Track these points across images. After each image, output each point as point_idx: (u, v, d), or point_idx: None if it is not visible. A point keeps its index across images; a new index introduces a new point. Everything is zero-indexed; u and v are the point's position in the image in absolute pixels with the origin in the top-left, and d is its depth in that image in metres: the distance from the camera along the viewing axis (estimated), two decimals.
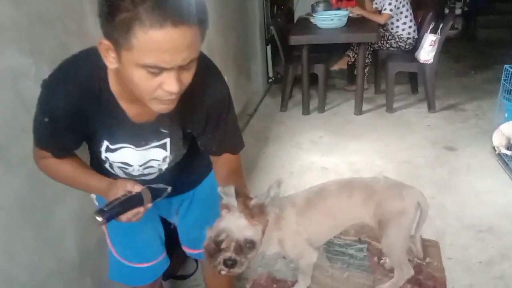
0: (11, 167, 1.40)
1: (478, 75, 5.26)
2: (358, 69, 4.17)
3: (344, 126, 4.07)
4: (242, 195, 1.10)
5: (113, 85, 1.04)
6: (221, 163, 1.26)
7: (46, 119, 1.05)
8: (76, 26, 1.69)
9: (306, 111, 4.36)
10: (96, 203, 1.44)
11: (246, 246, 1.02)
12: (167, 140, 1.19)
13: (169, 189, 1.13)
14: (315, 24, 4.27)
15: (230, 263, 1.00)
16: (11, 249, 1.41)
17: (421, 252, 1.36)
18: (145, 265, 1.47)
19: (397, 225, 1.19)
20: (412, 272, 1.26)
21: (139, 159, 1.19)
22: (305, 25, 4.48)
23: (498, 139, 3.22)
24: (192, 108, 1.12)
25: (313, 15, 4.43)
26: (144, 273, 1.48)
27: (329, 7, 4.78)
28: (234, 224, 1.01)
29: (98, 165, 1.24)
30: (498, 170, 3.14)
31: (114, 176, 1.24)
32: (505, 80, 3.25)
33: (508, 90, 3.27)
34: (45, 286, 1.55)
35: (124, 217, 1.07)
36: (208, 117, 1.16)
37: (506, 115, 3.37)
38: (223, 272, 1.04)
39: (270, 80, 5.25)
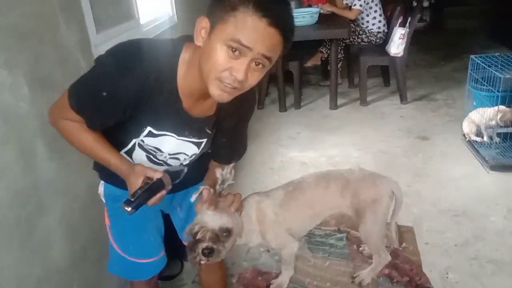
0: None
1: (447, 65, 5.42)
2: (331, 64, 4.26)
3: (320, 121, 4.15)
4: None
5: (180, 78, 1.10)
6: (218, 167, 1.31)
7: (105, 94, 1.06)
8: (51, 36, 1.70)
9: (283, 108, 4.42)
10: (104, 200, 1.47)
11: (223, 235, 1.07)
12: (205, 140, 1.27)
13: (186, 169, 1.19)
14: None
15: (207, 252, 1.04)
16: None
17: (396, 241, 1.43)
18: (146, 260, 1.50)
19: (372, 213, 1.25)
20: (389, 258, 1.32)
21: (173, 148, 1.24)
22: None
23: (468, 127, 3.35)
24: (230, 112, 1.23)
25: None
26: (144, 268, 1.51)
27: (300, 5, 4.86)
28: (207, 215, 1.07)
29: (116, 143, 1.26)
30: (469, 156, 3.27)
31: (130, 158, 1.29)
32: (471, 70, 3.37)
33: (475, 79, 3.39)
34: None
35: (150, 203, 1.11)
36: (237, 122, 1.28)
37: (474, 103, 3.50)
38: (202, 262, 1.08)
39: None
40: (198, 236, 1.07)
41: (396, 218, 1.35)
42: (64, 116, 1.16)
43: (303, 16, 4.19)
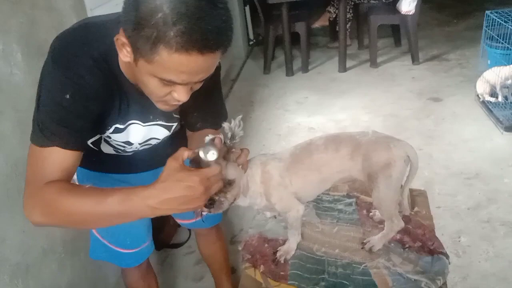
0: None
1: (460, 23, 5.23)
2: (339, 25, 4.11)
3: (329, 85, 4.05)
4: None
5: (123, 66, 0.99)
6: (200, 138, 1.17)
7: (68, 96, 0.92)
8: (43, 1, 1.62)
9: (290, 72, 4.31)
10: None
11: (225, 184, 1.02)
12: (175, 124, 1.20)
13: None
14: None
15: (209, 203, 1.00)
16: (2, 231, 1.40)
17: (408, 209, 1.37)
18: (130, 251, 1.43)
19: (386, 177, 1.19)
20: (402, 224, 1.27)
21: (142, 136, 1.17)
22: None
23: (481, 87, 3.24)
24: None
25: None
26: (129, 257, 1.45)
27: None
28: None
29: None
30: (482, 118, 3.17)
31: (102, 154, 1.20)
32: (486, 27, 3.23)
33: (490, 37, 3.25)
34: (39, 265, 1.55)
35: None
36: (201, 93, 1.07)
37: (489, 62, 3.38)
38: (204, 213, 1.04)
39: (251, 43, 5.16)
40: None
41: (410, 185, 1.29)
42: (38, 181, 0.91)
43: None
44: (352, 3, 4.46)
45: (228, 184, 1.04)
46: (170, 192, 0.84)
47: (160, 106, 0.99)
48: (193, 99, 0.99)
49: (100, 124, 1.06)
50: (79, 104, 0.95)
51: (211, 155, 0.92)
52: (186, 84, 0.89)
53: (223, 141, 1.01)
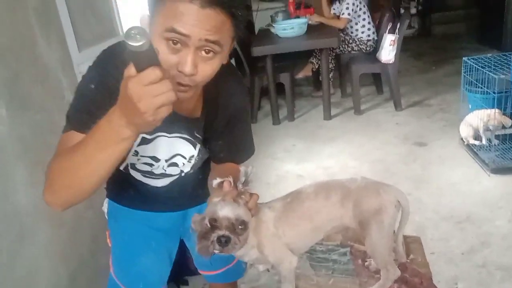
0: None
1: (439, 69, 5.41)
2: (322, 75, 4.21)
3: (315, 132, 4.09)
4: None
5: None
6: (221, 169, 1.23)
7: (93, 86, 0.98)
8: (28, 54, 1.63)
9: (276, 120, 4.35)
10: (107, 217, 1.38)
11: (239, 227, 1.01)
12: (198, 146, 1.20)
13: None
14: (276, 34, 4.30)
15: (224, 240, 0.98)
16: None
17: (404, 256, 1.34)
18: None
19: (377, 224, 1.16)
20: (398, 273, 1.23)
21: (168, 149, 1.16)
22: (267, 35, 4.51)
23: (465, 131, 3.29)
24: (216, 111, 1.17)
25: (273, 25, 4.46)
26: None
27: (288, 16, 4.84)
28: (224, 204, 1.01)
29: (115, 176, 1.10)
30: (468, 161, 3.20)
31: (131, 183, 1.22)
32: (465, 72, 3.33)
33: (469, 82, 3.35)
34: None
35: None
36: (227, 123, 1.20)
37: (470, 106, 3.45)
38: (216, 252, 1.01)
39: None
40: (216, 224, 1.00)
41: (403, 230, 1.27)
42: (62, 148, 0.97)
43: (291, 28, 4.16)
44: (334, 54, 4.60)
45: (242, 224, 1.02)
46: (121, 105, 0.78)
47: None
48: (219, 126, 1.13)
49: None
50: (101, 95, 0.97)
51: (133, 41, 0.68)
52: (189, 46, 0.89)
53: (232, 184, 1.01)
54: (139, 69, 0.73)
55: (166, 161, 1.19)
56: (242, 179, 1.02)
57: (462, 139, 3.35)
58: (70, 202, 0.96)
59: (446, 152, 3.38)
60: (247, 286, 1.33)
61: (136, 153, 1.14)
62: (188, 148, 1.19)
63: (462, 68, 3.32)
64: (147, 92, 0.73)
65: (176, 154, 1.19)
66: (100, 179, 0.91)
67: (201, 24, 0.87)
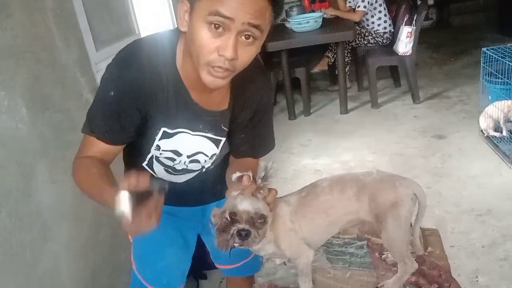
0: None
1: (457, 61, 5.31)
2: (338, 68, 4.18)
3: (332, 127, 4.07)
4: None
5: (181, 69, 1.05)
6: (239, 163, 1.23)
7: (112, 93, 1.01)
8: (47, 56, 1.66)
9: (292, 115, 4.35)
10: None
11: (258, 221, 1.01)
12: (223, 139, 1.20)
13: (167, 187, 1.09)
14: (291, 29, 4.28)
15: (244, 233, 0.99)
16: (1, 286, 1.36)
17: (421, 248, 1.33)
18: None
19: (394, 217, 1.16)
20: (416, 265, 1.23)
21: (191, 146, 1.17)
22: (281, 30, 4.49)
23: (485, 122, 3.24)
24: (243, 104, 1.17)
25: (288, 19, 4.44)
26: None
27: (302, 10, 4.81)
28: (244, 199, 1.01)
29: (135, 164, 1.20)
30: (489, 152, 3.15)
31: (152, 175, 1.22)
32: (484, 63, 3.27)
33: (488, 73, 3.29)
34: None
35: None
36: (253, 116, 1.20)
37: (489, 97, 3.39)
38: (236, 245, 1.02)
39: None
40: (237, 217, 1.00)
41: (420, 223, 1.26)
42: (83, 152, 1.08)
43: (307, 22, 4.14)
44: (350, 47, 4.56)
45: (261, 219, 1.03)
46: None
47: (206, 76, 0.97)
48: (242, 116, 1.14)
49: (149, 126, 1.09)
50: (120, 102, 1.02)
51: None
52: (231, 31, 0.90)
53: (251, 178, 1.01)
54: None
55: (188, 157, 1.20)
56: (262, 174, 1.02)
57: (482, 131, 3.29)
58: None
59: (465, 144, 3.33)
60: (264, 280, 1.34)
61: (158, 148, 1.15)
62: (211, 146, 1.20)
63: (482, 59, 3.26)
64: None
65: (199, 152, 1.20)
66: None
67: (245, 7, 0.88)
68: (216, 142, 1.19)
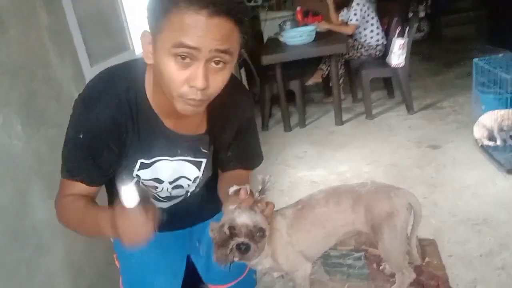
0: None
1: (450, 72, 5.36)
2: (332, 81, 4.21)
3: (327, 138, 4.08)
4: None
5: (151, 97, 1.02)
6: (230, 178, 1.21)
7: (81, 136, 0.99)
8: (42, 72, 1.67)
9: (287, 128, 4.36)
10: (112, 240, 1.35)
11: (257, 234, 1.00)
12: (204, 161, 1.17)
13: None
14: (285, 42, 4.32)
15: (243, 247, 0.97)
16: None
17: (418, 258, 1.33)
18: None
19: (390, 227, 1.16)
20: (413, 276, 1.23)
21: (172, 173, 1.14)
22: (275, 44, 4.53)
23: (479, 132, 3.26)
24: (223, 125, 1.15)
25: (282, 33, 4.48)
26: None
27: (296, 24, 4.85)
28: (242, 212, 1.00)
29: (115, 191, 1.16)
30: (484, 162, 3.16)
31: None
32: (476, 73, 3.31)
33: (481, 83, 3.32)
34: None
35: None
36: (236, 134, 1.18)
37: (483, 107, 3.42)
38: (235, 259, 1.00)
39: None
40: (235, 231, 0.99)
41: (416, 233, 1.26)
42: (64, 193, 1.07)
43: (300, 35, 4.18)
44: (343, 60, 4.60)
45: (260, 232, 1.01)
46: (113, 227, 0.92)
47: (181, 106, 0.94)
48: (227, 139, 1.12)
49: (126, 160, 1.07)
50: (92, 144, 1.00)
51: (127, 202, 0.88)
52: (199, 60, 0.87)
53: (248, 192, 1.00)
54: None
55: (170, 183, 1.17)
56: (259, 187, 1.01)
57: (476, 140, 3.31)
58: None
59: (460, 154, 3.34)
60: None
61: (138, 177, 1.12)
62: (193, 169, 1.17)
63: (474, 69, 3.30)
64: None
65: (180, 176, 1.18)
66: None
67: (210, 34, 0.84)
68: (197, 165, 1.17)
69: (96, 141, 1.00)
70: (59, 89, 1.75)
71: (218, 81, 0.92)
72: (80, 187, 1.05)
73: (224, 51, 0.88)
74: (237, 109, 1.15)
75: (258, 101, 4.63)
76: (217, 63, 0.89)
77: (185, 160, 1.14)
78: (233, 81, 1.02)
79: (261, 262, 1.17)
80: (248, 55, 4.24)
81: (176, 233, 1.34)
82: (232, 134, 1.17)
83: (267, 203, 1.05)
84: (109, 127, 0.99)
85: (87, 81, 1.91)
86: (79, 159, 1.03)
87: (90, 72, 1.97)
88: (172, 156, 1.11)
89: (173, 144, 1.10)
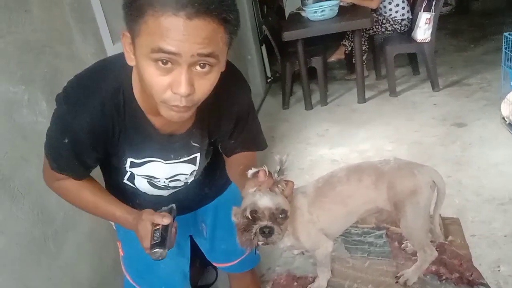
0: (15, 198, 1.39)
1: (478, 47, 5.18)
2: (356, 57, 4.13)
3: (349, 116, 4.03)
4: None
5: (138, 96, 0.97)
6: (237, 160, 1.19)
7: (66, 140, 0.96)
8: (66, 50, 1.68)
9: (308, 105, 4.32)
10: (115, 228, 1.38)
11: (279, 216, 0.99)
12: (198, 155, 1.15)
13: (174, 206, 1.11)
14: (307, 18, 4.23)
15: (267, 231, 0.97)
16: (27, 280, 1.39)
17: (441, 236, 1.31)
18: None
19: (413, 205, 1.15)
20: (435, 254, 1.21)
21: (167, 172, 1.14)
22: (297, 19, 4.45)
23: (507, 109, 3.16)
24: (219, 117, 1.10)
25: (304, 8, 4.39)
26: None
27: None
28: (263, 195, 0.99)
29: (116, 180, 1.18)
30: (510, 140, 3.07)
31: (135, 190, 1.21)
32: (506, 48, 3.19)
33: (510, 58, 3.20)
34: None
35: (170, 245, 1.03)
36: (236, 124, 1.14)
37: (511, 83, 3.30)
38: (260, 243, 1.00)
39: (269, 80, 5.22)
40: (258, 215, 0.98)
41: (440, 210, 1.24)
42: (54, 177, 1.09)
43: (322, 10, 4.09)
44: (367, 35, 4.50)
45: (283, 213, 1.00)
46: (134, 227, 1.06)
47: (165, 112, 0.88)
48: (227, 129, 1.11)
49: (115, 156, 1.07)
50: (77, 148, 1.00)
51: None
52: (181, 65, 0.80)
53: (267, 173, 0.98)
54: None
55: (167, 179, 1.17)
56: (277, 167, 1.00)
57: (503, 118, 3.22)
58: None
59: (486, 132, 3.26)
60: (282, 269, 1.35)
61: (132, 173, 1.13)
62: (188, 166, 1.16)
63: (503, 44, 3.18)
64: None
65: (176, 174, 1.17)
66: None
67: (190, 38, 0.76)
68: (192, 161, 1.15)
69: (80, 146, 0.99)
70: (82, 66, 1.73)
71: (205, 86, 0.85)
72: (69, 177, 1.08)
73: (208, 55, 0.80)
74: (233, 100, 1.10)
75: (279, 78, 4.59)
76: (202, 66, 0.82)
77: (179, 162, 1.13)
78: (227, 70, 0.93)
79: (282, 241, 1.17)
80: (269, 31, 4.18)
81: (179, 217, 1.35)
82: (231, 124, 1.14)
83: (286, 183, 1.03)
84: (94, 133, 0.97)
85: None
86: (64, 157, 1.02)
87: (112, 49, 1.98)
88: (165, 160, 1.10)
89: (166, 149, 1.08)
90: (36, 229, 1.44)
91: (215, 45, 0.80)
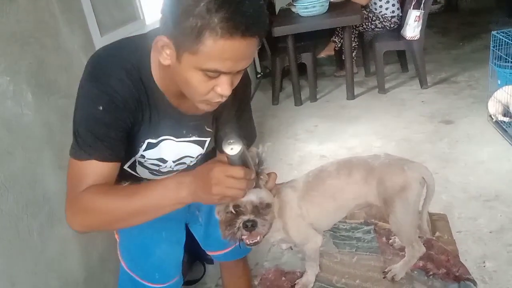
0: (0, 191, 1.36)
1: (466, 45, 5.23)
2: (345, 53, 4.13)
3: (338, 112, 4.04)
4: None
5: (157, 78, 1.01)
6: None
7: (101, 107, 0.95)
8: (52, 41, 1.65)
9: (298, 101, 4.32)
10: None
11: (262, 208, 1.00)
12: (208, 140, 1.19)
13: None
14: (297, 13, 4.22)
15: (250, 224, 0.98)
16: (12, 274, 1.37)
17: (428, 232, 1.32)
18: (158, 286, 1.35)
19: (402, 201, 1.15)
20: (423, 249, 1.22)
21: (176, 153, 1.16)
22: (287, 15, 4.44)
23: (494, 107, 3.20)
24: (225, 103, 1.10)
25: (294, 4, 4.38)
26: None
27: None
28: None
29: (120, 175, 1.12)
30: (497, 138, 3.11)
31: (136, 179, 1.20)
32: (493, 47, 3.22)
33: (498, 57, 3.23)
34: None
35: None
36: (236, 112, 1.20)
37: (499, 81, 3.34)
38: (243, 237, 1.01)
39: (259, 75, 5.20)
40: (241, 209, 0.99)
41: (428, 207, 1.25)
42: (76, 190, 0.98)
43: (313, 6, 4.08)
44: (357, 32, 4.50)
45: (266, 207, 1.02)
46: (196, 177, 0.92)
47: (203, 106, 0.99)
48: (225, 113, 1.12)
49: (133, 139, 1.06)
50: (112, 115, 0.97)
51: (229, 150, 0.88)
52: (229, 73, 0.90)
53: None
54: (229, 162, 0.89)
55: (174, 162, 1.18)
56: (256, 160, 1.00)
57: (490, 116, 3.25)
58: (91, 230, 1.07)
59: (474, 129, 3.29)
60: (271, 264, 1.34)
61: (143, 157, 1.13)
62: (196, 148, 1.19)
63: (491, 43, 3.21)
64: (225, 181, 0.88)
65: (185, 156, 1.19)
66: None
67: (242, 55, 0.88)
68: (201, 143, 1.18)
69: (116, 111, 0.97)
70: (68, 58, 1.74)
71: (239, 79, 0.97)
72: (100, 169, 0.98)
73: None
74: (238, 86, 1.10)
75: (269, 74, 4.58)
76: (239, 71, 0.93)
77: (189, 141, 1.15)
78: None
79: (272, 235, 1.17)
80: None
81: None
82: (233, 110, 1.18)
83: (269, 175, 1.05)
84: (126, 100, 0.97)
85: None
86: (99, 134, 0.97)
87: (100, 41, 1.95)
88: (177, 137, 1.12)
89: (179, 124, 1.10)
90: (21, 223, 1.42)
91: (252, 56, 0.92)
